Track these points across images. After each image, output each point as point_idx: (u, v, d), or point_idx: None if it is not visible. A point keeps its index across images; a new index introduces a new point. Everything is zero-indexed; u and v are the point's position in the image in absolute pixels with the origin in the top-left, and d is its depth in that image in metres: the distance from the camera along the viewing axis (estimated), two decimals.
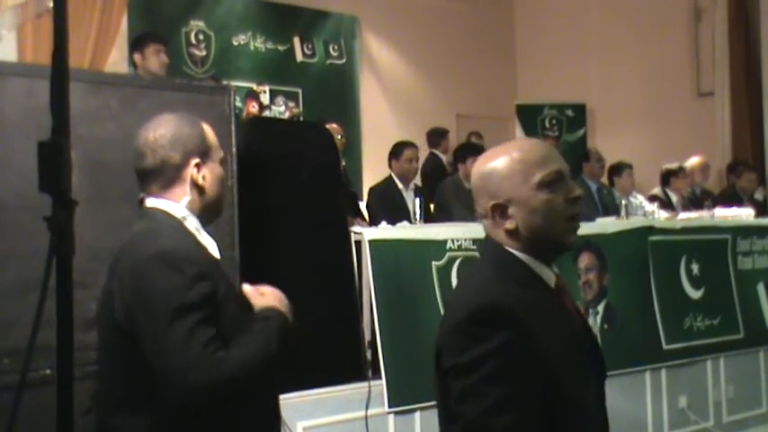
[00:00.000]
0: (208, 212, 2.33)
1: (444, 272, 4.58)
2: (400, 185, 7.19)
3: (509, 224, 1.97)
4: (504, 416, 1.77)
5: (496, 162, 2.00)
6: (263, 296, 2.32)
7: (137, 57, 6.03)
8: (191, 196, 2.28)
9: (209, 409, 2.11)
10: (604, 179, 8.80)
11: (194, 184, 2.28)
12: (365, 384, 4.21)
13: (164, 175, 2.26)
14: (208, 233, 2.32)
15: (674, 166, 9.14)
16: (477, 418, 1.79)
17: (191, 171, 2.27)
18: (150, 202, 2.28)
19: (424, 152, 7.67)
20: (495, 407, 1.78)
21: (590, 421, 1.98)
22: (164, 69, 6.00)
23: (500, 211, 1.98)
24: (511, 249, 1.99)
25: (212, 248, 2.28)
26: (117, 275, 2.15)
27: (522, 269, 1.98)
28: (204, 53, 9.51)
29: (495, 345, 1.80)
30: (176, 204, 2.26)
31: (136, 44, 6.19)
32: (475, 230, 4.88)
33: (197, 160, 2.28)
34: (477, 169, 2.05)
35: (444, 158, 9.10)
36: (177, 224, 2.24)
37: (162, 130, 2.28)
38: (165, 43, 6.14)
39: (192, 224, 2.27)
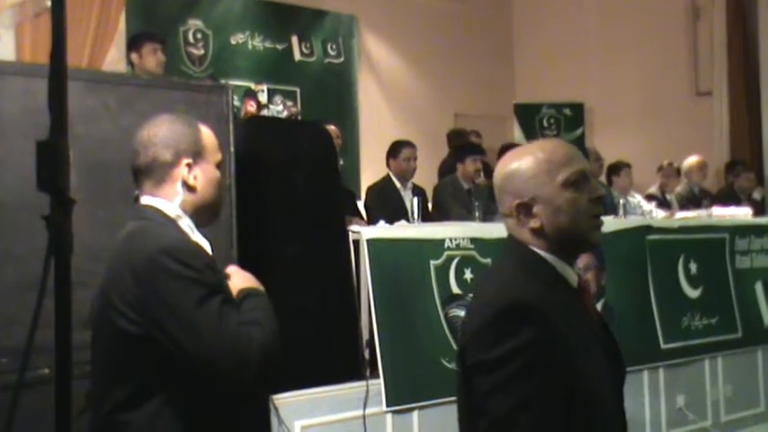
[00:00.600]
0: (201, 214, 2.33)
1: (442, 271, 4.59)
2: (398, 184, 7.19)
3: (534, 223, 2.00)
4: (531, 413, 1.80)
5: (521, 162, 2.03)
6: (235, 276, 2.34)
7: (134, 56, 6.04)
8: (182, 196, 2.28)
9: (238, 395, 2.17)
10: (602, 178, 8.81)
11: (185, 184, 2.29)
12: (363, 383, 4.21)
13: (155, 173, 2.28)
14: (201, 234, 2.33)
15: (664, 162, 9.22)
16: (504, 415, 1.81)
17: (181, 170, 2.28)
18: (145, 200, 2.29)
19: (421, 152, 7.64)
20: (522, 404, 1.80)
21: (610, 420, 2.02)
22: (161, 68, 6.01)
23: (525, 210, 2.00)
24: (536, 249, 2.01)
25: (206, 248, 2.28)
26: (116, 275, 2.14)
27: (547, 269, 2.00)
28: (202, 52, 9.50)
29: (522, 341, 1.82)
30: (170, 203, 2.27)
31: (132, 44, 6.20)
32: (472, 230, 4.88)
33: (188, 160, 2.29)
34: (500, 170, 2.07)
35: None
36: (170, 222, 2.25)
37: (156, 129, 2.30)
38: (162, 42, 6.14)
39: (186, 223, 2.28)
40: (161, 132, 2.29)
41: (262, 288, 2.34)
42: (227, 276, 2.32)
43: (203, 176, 2.31)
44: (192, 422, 2.14)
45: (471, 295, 4.61)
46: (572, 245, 2.03)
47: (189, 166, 2.29)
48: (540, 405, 1.80)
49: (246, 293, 2.26)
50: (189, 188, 2.29)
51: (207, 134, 2.37)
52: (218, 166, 2.38)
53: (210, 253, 2.28)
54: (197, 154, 2.31)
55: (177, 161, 2.28)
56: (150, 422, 2.12)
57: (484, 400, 1.85)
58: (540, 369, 1.82)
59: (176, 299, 2.05)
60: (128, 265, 2.11)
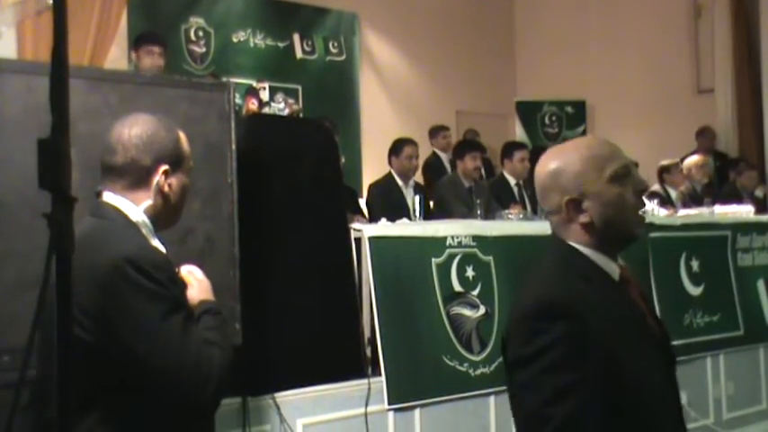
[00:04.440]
0: (164, 220, 2.31)
1: (444, 269, 4.58)
2: (400, 182, 7.18)
3: (584, 218, 2.03)
4: (563, 405, 1.83)
5: (566, 159, 2.06)
6: (192, 286, 2.31)
7: (133, 55, 6.07)
8: (153, 201, 2.25)
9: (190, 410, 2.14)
10: None
11: (159, 191, 2.26)
12: (365, 381, 4.21)
13: (130, 176, 2.24)
14: (158, 239, 2.29)
15: (667, 162, 9.12)
16: (537, 409, 1.86)
17: (158, 177, 2.25)
18: (108, 197, 2.25)
19: (423, 149, 7.63)
20: (555, 397, 1.84)
21: (659, 407, 2.02)
22: (156, 71, 5.94)
23: (574, 205, 2.03)
24: (575, 245, 2.05)
25: (163, 251, 2.25)
26: (74, 280, 2.11)
27: (586, 264, 2.04)
28: (204, 50, 9.50)
29: (554, 336, 1.86)
30: (135, 207, 2.23)
31: (134, 42, 6.23)
32: (474, 227, 4.88)
33: (166, 167, 2.26)
34: (543, 168, 2.10)
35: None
36: (130, 225, 2.21)
37: (138, 130, 2.25)
38: (163, 44, 6.10)
39: (147, 229, 2.24)
40: (144, 135, 2.25)
41: (214, 300, 2.32)
42: (183, 284, 2.29)
43: (177, 185, 2.30)
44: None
45: (473, 293, 4.63)
46: (618, 239, 2.08)
47: (166, 173, 2.26)
48: (571, 397, 1.83)
49: (205, 309, 2.25)
50: (162, 195, 2.27)
51: (184, 141, 2.35)
52: (187, 172, 2.36)
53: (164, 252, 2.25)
54: (175, 162, 2.29)
55: (155, 168, 2.25)
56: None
57: (520, 394, 1.93)
58: (571, 363, 1.85)
59: (138, 311, 2.04)
60: (88, 271, 2.01)
